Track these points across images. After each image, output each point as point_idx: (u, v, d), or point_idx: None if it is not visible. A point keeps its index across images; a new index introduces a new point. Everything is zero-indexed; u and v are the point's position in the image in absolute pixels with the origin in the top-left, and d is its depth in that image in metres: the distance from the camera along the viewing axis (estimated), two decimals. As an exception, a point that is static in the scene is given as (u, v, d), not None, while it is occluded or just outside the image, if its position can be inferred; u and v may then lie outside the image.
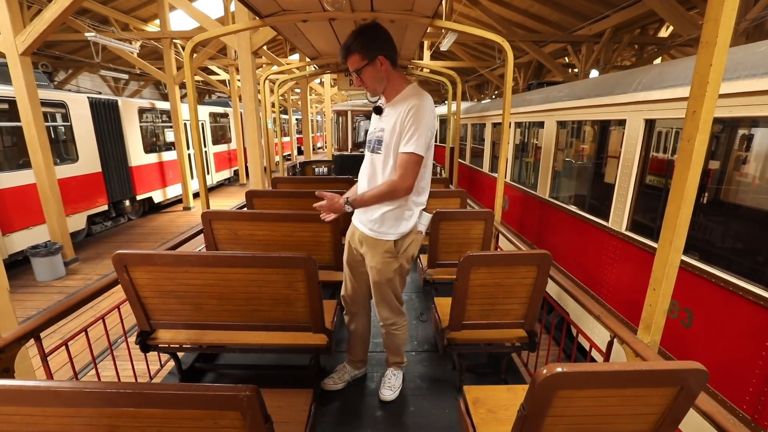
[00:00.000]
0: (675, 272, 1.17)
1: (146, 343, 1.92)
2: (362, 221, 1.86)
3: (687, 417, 0.98)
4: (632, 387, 0.92)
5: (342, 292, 2.09)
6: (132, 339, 1.93)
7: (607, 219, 3.32)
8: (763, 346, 2.00)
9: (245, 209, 3.15)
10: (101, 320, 1.87)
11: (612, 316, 1.57)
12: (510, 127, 5.93)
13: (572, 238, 3.97)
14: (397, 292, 1.92)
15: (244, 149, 14.83)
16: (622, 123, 3.21)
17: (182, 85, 11.36)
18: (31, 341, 1.47)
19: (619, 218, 3.17)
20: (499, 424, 1.40)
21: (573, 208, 3.97)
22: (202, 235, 2.62)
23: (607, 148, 3.71)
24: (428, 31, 3.72)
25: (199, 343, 1.97)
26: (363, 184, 1.86)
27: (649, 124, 2.92)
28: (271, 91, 10.82)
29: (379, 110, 1.78)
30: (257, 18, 2.58)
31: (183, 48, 12.90)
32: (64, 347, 1.67)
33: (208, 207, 2.69)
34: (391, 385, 2.12)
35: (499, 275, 1.74)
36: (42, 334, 1.52)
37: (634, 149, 3.02)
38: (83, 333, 1.77)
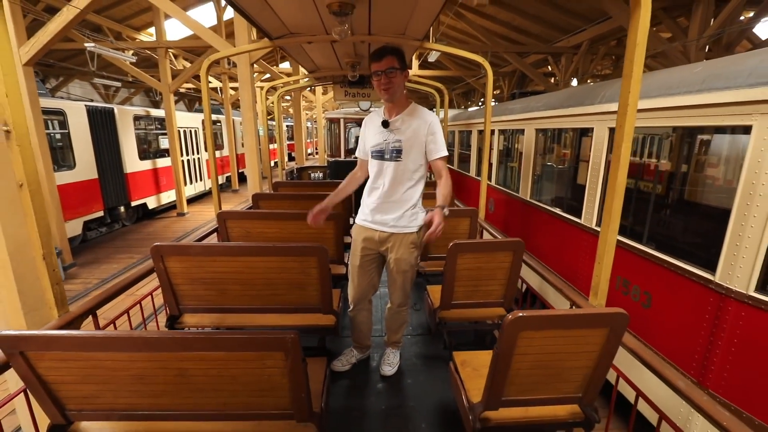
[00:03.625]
0: (613, 248, 1.51)
1: (174, 326, 2.18)
2: (382, 222, 2.07)
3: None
4: (575, 328, 1.24)
5: (350, 292, 2.27)
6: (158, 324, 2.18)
7: (580, 216, 3.70)
8: (703, 319, 2.37)
9: (252, 210, 3.43)
10: (138, 304, 2.13)
11: (573, 289, 1.91)
12: (494, 134, 6.33)
13: (552, 235, 4.34)
14: (413, 278, 2.23)
15: (237, 156, 15.01)
16: (591, 131, 3.60)
17: (176, 93, 11.52)
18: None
19: (590, 215, 3.55)
20: (482, 379, 1.69)
21: (551, 208, 4.35)
22: (216, 234, 2.89)
23: (579, 153, 4.11)
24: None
25: (222, 326, 2.23)
26: (385, 187, 2.03)
27: (613, 132, 3.31)
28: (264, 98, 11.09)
29: (386, 123, 2.00)
30: (265, 38, 2.90)
31: (175, 57, 13.11)
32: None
33: (220, 208, 2.95)
34: (390, 362, 2.41)
35: (482, 260, 2.06)
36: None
37: (601, 154, 3.40)
38: (125, 314, 2.03)
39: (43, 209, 1.44)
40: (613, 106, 3.23)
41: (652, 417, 2.18)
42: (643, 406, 1.68)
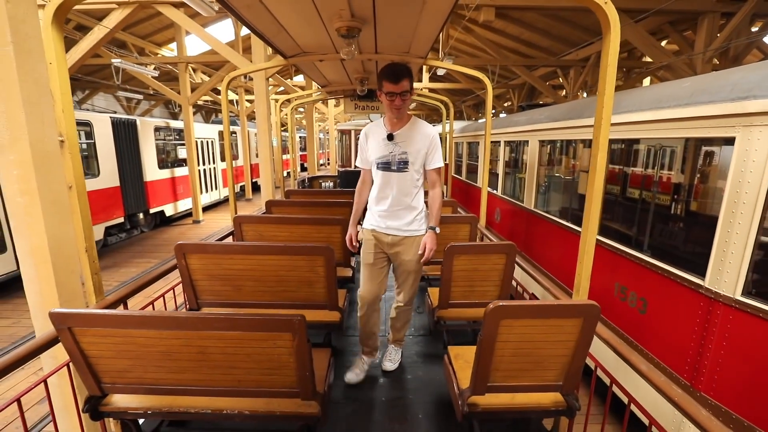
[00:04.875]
0: (592, 248, 1.65)
1: (192, 320, 2.37)
2: (394, 227, 2.19)
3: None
4: (552, 318, 1.38)
5: (362, 293, 2.28)
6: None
7: (580, 225, 3.80)
8: (695, 323, 2.45)
9: (265, 215, 3.64)
10: (162, 298, 2.33)
11: (557, 285, 2.04)
12: (500, 145, 6.49)
13: (554, 243, 4.44)
14: (419, 278, 2.36)
15: (251, 166, 15.44)
16: (589, 142, 3.73)
17: (194, 105, 12.02)
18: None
19: (589, 224, 3.65)
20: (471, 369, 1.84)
21: (553, 217, 4.46)
22: (232, 236, 3.10)
23: (579, 163, 4.23)
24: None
25: (235, 320, 2.42)
26: (394, 196, 2.17)
27: (610, 143, 3.44)
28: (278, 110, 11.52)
29: (391, 137, 2.13)
30: (281, 56, 3.14)
31: (194, 70, 13.73)
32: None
33: (236, 213, 3.17)
34: (392, 359, 2.55)
35: (476, 261, 2.21)
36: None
37: (600, 165, 3.52)
38: (151, 306, 2.23)
39: (86, 208, 1.66)
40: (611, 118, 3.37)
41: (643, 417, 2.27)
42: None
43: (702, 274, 2.43)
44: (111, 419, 1.65)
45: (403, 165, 2.15)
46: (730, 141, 2.27)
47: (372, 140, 2.23)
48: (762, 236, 2.14)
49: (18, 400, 1.33)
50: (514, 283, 2.68)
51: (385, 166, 2.17)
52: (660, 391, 1.21)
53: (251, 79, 11.45)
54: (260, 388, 1.51)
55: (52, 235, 2.27)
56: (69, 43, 6.99)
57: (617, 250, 3.22)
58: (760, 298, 2.14)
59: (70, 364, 1.52)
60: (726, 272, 2.26)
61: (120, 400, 1.58)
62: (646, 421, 1.46)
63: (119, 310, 1.36)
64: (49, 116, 2.33)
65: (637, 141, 3.41)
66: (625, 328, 3.13)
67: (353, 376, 2.39)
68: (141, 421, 1.83)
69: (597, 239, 3.51)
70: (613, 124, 3.30)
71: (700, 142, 2.73)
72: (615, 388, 1.58)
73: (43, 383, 1.51)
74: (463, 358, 1.91)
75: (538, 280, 2.25)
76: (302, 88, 13.16)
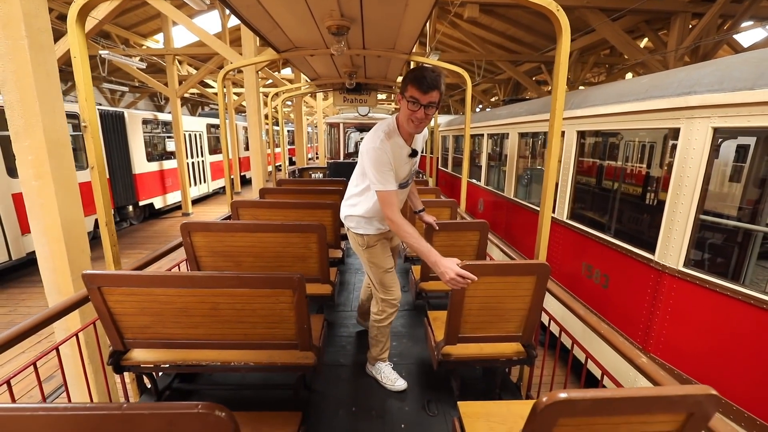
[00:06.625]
0: (548, 222, 1.92)
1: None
2: None
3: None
4: (511, 275, 1.65)
5: (394, 296, 2.18)
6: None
7: (553, 210, 4.11)
8: (646, 293, 2.78)
9: (261, 200, 3.84)
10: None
11: (519, 256, 2.32)
12: (484, 138, 6.78)
13: (531, 229, 4.75)
14: None
15: (239, 159, 15.47)
16: (562, 134, 4.03)
17: (180, 97, 12.00)
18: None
19: (561, 209, 3.97)
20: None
21: (529, 204, 4.77)
22: (229, 220, 3.30)
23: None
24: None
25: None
26: (401, 203, 2.12)
27: (581, 134, 3.75)
28: (265, 104, 11.58)
29: (415, 153, 1.99)
30: (273, 50, 3.34)
31: (180, 62, 13.66)
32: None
33: (233, 199, 3.37)
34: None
35: (453, 238, 2.47)
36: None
37: (571, 155, 3.83)
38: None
39: (105, 186, 1.87)
40: (580, 112, 3.67)
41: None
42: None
43: (653, 249, 2.75)
44: (127, 374, 1.86)
45: (415, 174, 2.14)
46: (676, 132, 2.58)
47: (397, 160, 1.90)
48: (701, 215, 2.46)
49: (57, 349, 1.54)
50: (489, 259, 2.97)
51: (405, 184, 2.06)
52: (594, 330, 1.49)
53: (240, 71, 11.49)
54: (264, 340, 1.75)
55: (65, 216, 2.46)
56: (56, 35, 6.98)
57: (584, 232, 3.54)
58: (698, 268, 2.47)
59: (97, 322, 1.73)
60: (671, 247, 2.58)
61: (138, 355, 1.81)
62: (598, 372, 1.75)
63: (143, 272, 1.57)
64: (59, 105, 2.51)
65: (603, 133, 3.72)
66: (591, 303, 3.45)
67: (390, 383, 2.27)
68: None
69: (568, 223, 3.83)
70: (582, 117, 3.61)
71: (654, 134, 3.04)
72: (564, 336, 1.87)
73: (75, 337, 1.72)
74: (440, 320, 2.18)
75: (508, 254, 2.53)
76: (290, 81, 13.23)
